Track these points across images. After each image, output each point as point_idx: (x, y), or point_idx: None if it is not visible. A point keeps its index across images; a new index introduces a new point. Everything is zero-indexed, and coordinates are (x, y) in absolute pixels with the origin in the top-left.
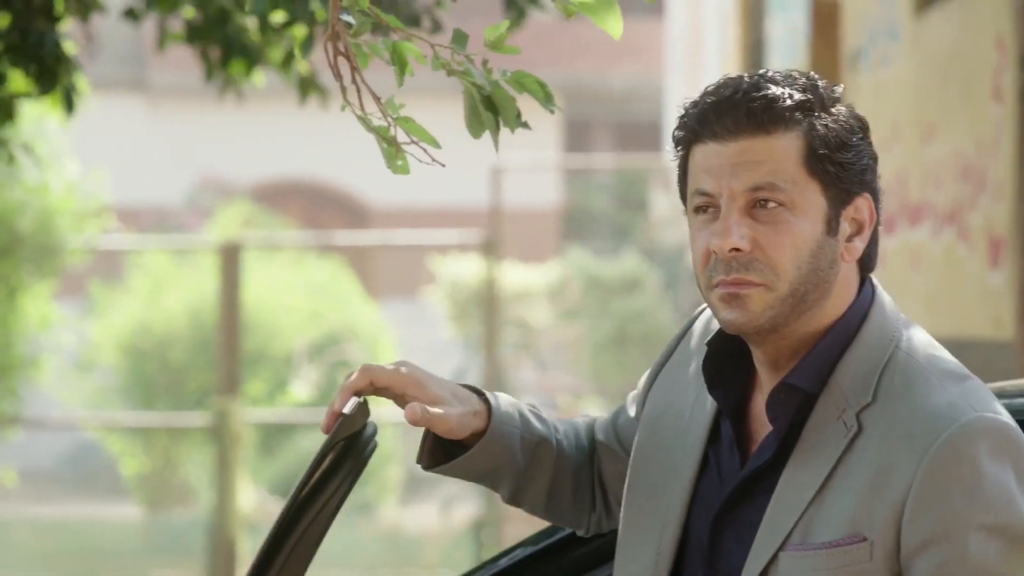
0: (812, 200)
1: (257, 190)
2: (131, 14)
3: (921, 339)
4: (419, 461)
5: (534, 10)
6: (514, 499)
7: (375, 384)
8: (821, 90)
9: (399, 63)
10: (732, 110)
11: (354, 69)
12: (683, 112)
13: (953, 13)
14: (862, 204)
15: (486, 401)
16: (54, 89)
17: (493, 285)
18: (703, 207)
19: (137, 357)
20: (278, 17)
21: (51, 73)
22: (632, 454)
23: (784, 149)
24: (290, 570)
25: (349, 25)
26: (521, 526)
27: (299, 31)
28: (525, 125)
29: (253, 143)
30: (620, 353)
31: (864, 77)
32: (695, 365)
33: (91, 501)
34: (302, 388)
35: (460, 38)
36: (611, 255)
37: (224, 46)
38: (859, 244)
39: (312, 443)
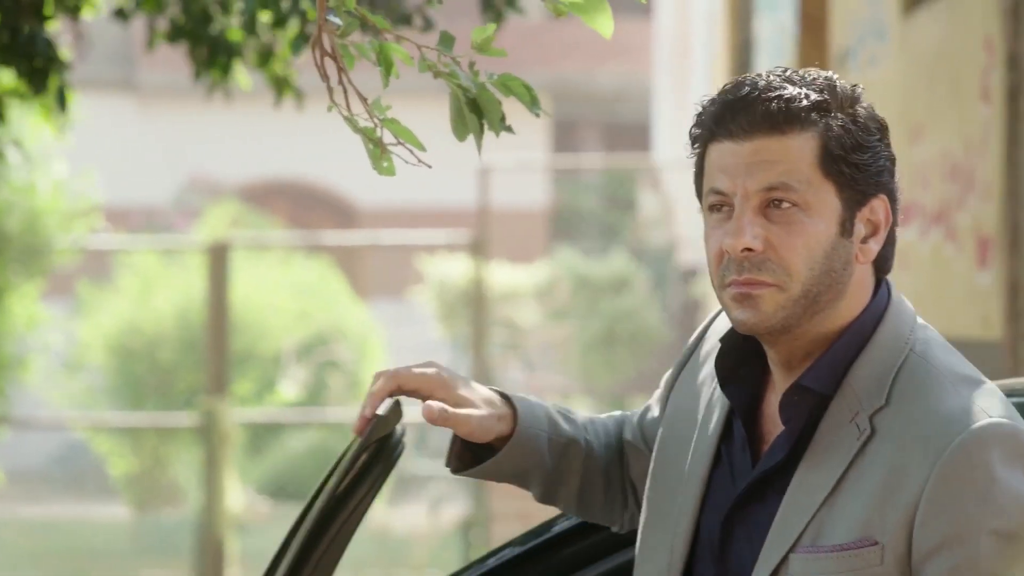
0: (826, 201)
1: (245, 190)
2: (121, 14)
3: (937, 343)
4: (448, 464)
5: (513, 14)
6: (546, 499)
7: (403, 388)
8: (839, 90)
9: (385, 64)
10: (748, 109)
11: (341, 70)
12: (700, 110)
13: (941, 13)
14: (878, 206)
15: (513, 406)
16: (45, 89)
17: (481, 285)
18: (717, 206)
19: (125, 357)
20: (265, 17)
21: (42, 73)
22: (653, 453)
23: (799, 149)
24: (322, 572)
25: (336, 26)
26: (509, 526)
27: (291, 29)
28: (509, 129)
29: (241, 143)
30: (609, 353)
31: (852, 77)
32: (712, 364)
33: (79, 501)
34: (290, 388)
35: (447, 40)
36: (599, 255)
37: (208, 47)
38: (874, 246)
39: (300, 443)
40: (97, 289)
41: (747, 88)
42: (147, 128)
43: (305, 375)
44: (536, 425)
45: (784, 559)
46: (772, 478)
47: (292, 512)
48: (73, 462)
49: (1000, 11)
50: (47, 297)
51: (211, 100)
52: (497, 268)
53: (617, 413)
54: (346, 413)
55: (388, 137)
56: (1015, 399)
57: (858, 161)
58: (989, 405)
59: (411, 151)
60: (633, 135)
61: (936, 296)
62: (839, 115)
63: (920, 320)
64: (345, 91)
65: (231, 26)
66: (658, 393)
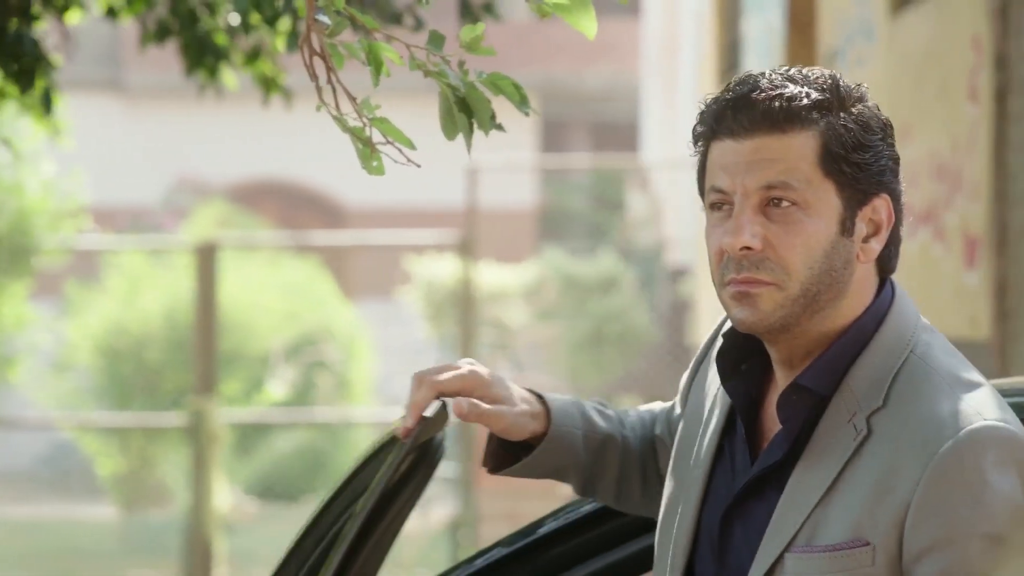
0: (826, 200)
1: (233, 190)
2: (112, 12)
3: (939, 345)
4: (484, 463)
5: (490, 19)
6: (584, 493)
7: (444, 393)
8: (842, 89)
9: (374, 64)
10: (749, 108)
11: (330, 69)
12: (703, 108)
13: (929, 13)
14: (880, 205)
15: (546, 404)
16: (31, 89)
17: (469, 285)
18: (718, 204)
19: (113, 357)
20: (255, 19)
21: (28, 74)
22: (672, 450)
23: (799, 148)
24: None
25: (325, 25)
26: (497, 527)
27: (284, 26)
28: (499, 127)
29: (229, 143)
30: (596, 353)
31: None
32: None
33: (67, 501)
34: (278, 388)
35: (436, 39)
36: (587, 255)
37: (195, 47)
38: (876, 245)
39: (288, 443)
40: (85, 289)
41: (748, 86)
42: (135, 128)
43: (293, 375)
44: (570, 423)
45: (779, 558)
46: (771, 476)
47: (280, 512)
48: (61, 462)
49: (988, 11)
50: (35, 297)
51: (199, 100)
52: (485, 268)
53: (655, 406)
54: (334, 413)
55: (377, 136)
56: (1006, 400)
57: (859, 160)
58: (985, 408)
59: (400, 150)
60: (621, 135)
61: (924, 296)
62: (841, 114)
63: (924, 321)
64: (334, 90)
65: (217, 27)
66: (681, 390)
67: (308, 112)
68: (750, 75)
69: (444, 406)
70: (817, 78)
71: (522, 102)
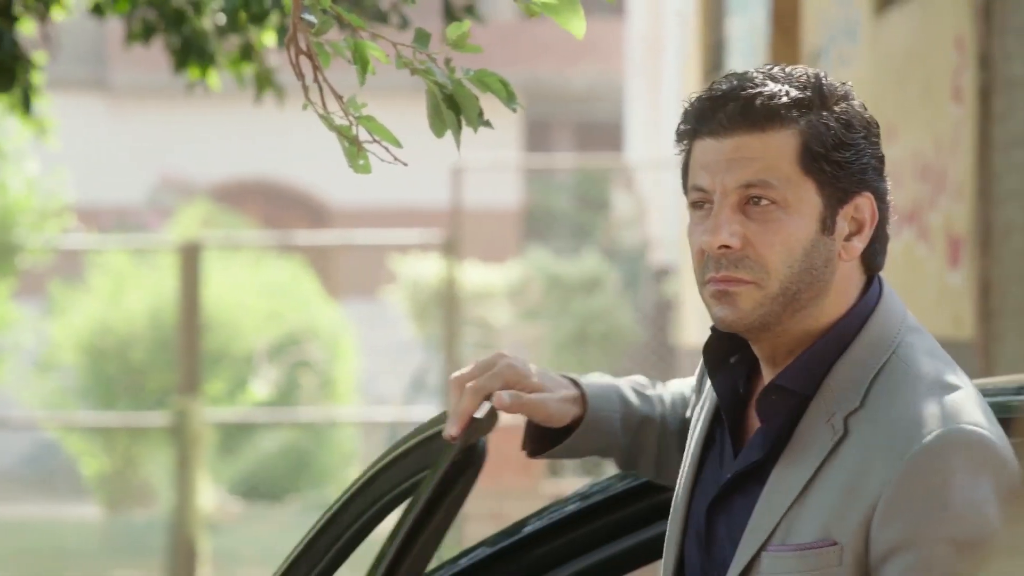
0: (806, 199)
1: (217, 190)
2: (97, 9)
3: (923, 346)
4: (524, 447)
5: (473, 21)
6: (626, 470)
7: (487, 395)
8: (824, 87)
9: (360, 62)
10: (728, 107)
11: (316, 68)
12: (686, 107)
13: (912, 13)
14: (863, 203)
15: (582, 388)
16: (11, 88)
17: (453, 285)
18: (699, 203)
19: (97, 357)
20: (244, 20)
21: (9, 73)
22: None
23: (778, 147)
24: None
25: (311, 24)
26: (481, 526)
27: (272, 20)
28: (487, 124)
29: (214, 143)
30: (581, 353)
31: None
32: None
33: (51, 501)
34: (262, 388)
35: (422, 37)
36: (572, 255)
37: (181, 47)
38: (858, 244)
39: (272, 443)
40: (69, 289)
41: (729, 85)
42: (119, 127)
43: (277, 375)
44: (607, 407)
45: (756, 556)
46: (753, 471)
47: (264, 512)
48: (45, 462)
49: (971, 11)
50: (19, 297)
51: (183, 100)
52: (469, 268)
53: (690, 383)
54: (318, 413)
55: (364, 135)
56: (986, 399)
57: (840, 159)
58: (960, 412)
59: (387, 148)
60: (606, 135)
61: (908, 296)
62: (823, 112)
63: (912, 321)
64: (320, 89)
65: (203, 28)
66: (696, 374)
67: (293, 112)
68: (733, 74)
69: (492, 408)
70: (800, 76)
71: (509, 98)
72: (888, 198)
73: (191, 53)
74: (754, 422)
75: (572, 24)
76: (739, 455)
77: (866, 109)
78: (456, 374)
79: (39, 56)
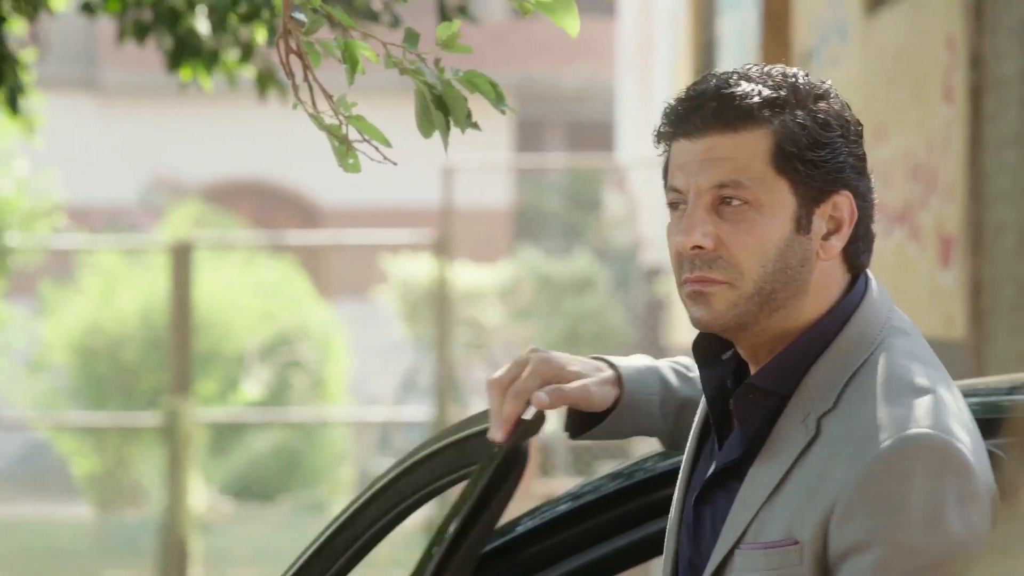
0: (780, 198)
1: (209, 190)
2: (87, 8)
3: (902, 347)
4: (566, 429)
5: (466, 21)
6: (671, 450)
7: (527, 395)
8: (801, 86)
9: (350, 61)
10: (701, 107)
11: (306, 67)
12: (665, 109)
13: (903, 13)
14: (841, 202)
15: (618, 371)
16: None
17: (445, 285)
18: (675, 203)
19: (88, 357)
20: (234, 20)
21: None
22: None
23: (750, 147)
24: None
25: (301, 23)
26: None
27: (264, 16)
28: (475, 126)
29: (205, 143)
30: (572, 352)
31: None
32: None
33: (42, 501)
34: (254, 388)
35: (412, 37)
36: (563, 255)
37: (175, 46)
38: (836, 242)
39: (264, 443)
40: (60, 289)
41: (704, 86)
42: (110, 127)
43: (269, 375)
44: (645, 390)
45: (730, 554)
46: (734, 468)
47: (255, 512)
48: (36, 462)
49: (962, 10)
50: (9, 297)
51: (175, 99)
52: (461, 268)
53: None
54: (309, 413)
55: (353, 134)
56: (977, 399)
57: (814, 158)
58: (925, 415)
59: (376, 148)
60: (597, 135)
61: (899, 296)
62: (798, 112)
63: (900, 321)
64: (311, 88)
65: (197, 26)
66: None
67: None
68: (710, 74)
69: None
70: (776, 76)
71: (498, 100)
72: (872, 196)
73: (186, 53)
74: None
75: (566, 22)
76: (720, 451)
77: (848, 108)
78: (492, 377)
79: (27, 54)
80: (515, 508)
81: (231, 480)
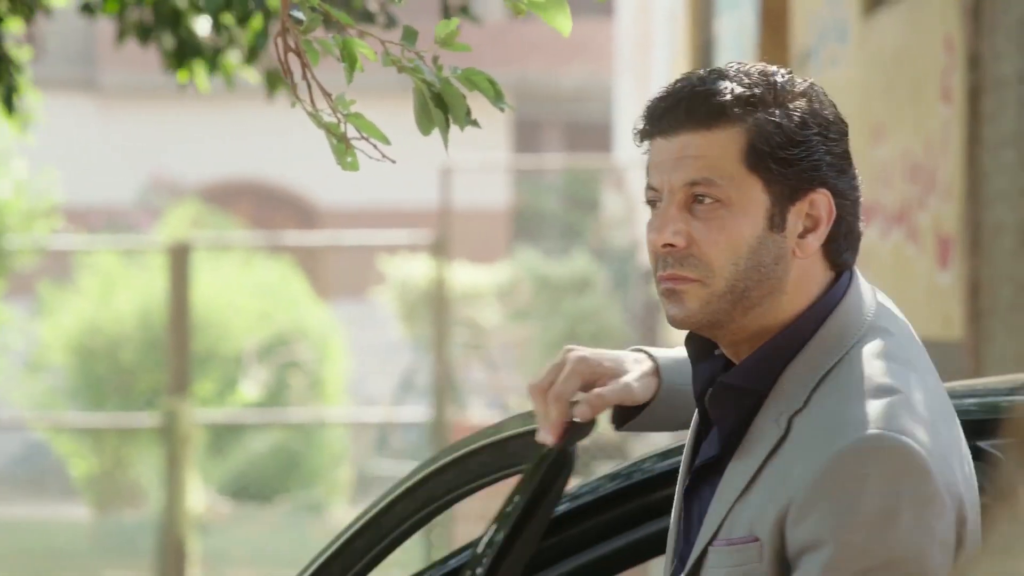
0: (752, 196)
1: (207, 190)
2: (87, 8)
3: (880, 348)
4: (612, 420)
5: (468, 21)
6: None
7: (569, 397)
8: (779, 84)
9: (348, 60)
10: (676, 106)
11: (304, 66)
12: (645, 108)
13: (901, 13)
14: (818, 200)
15: (655, 360)
16: None
17: (443, 285)
18: (652, 202)
19: (86, 357)
20: (228, 20)
21: None
22: None
23: (722, 145)
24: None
25: (299, 21)
26: (471, 527)
27: (256, 23)
28: (475, 123)
29: (203, 143)
30: None
31: (813, 78)
32: None
33: (40, 502)
34: (251, 388)
35: (410, 35)
36: (561, 255)
37: (177, 47)
38: (813, 241)
39: (262, 443)
40: (58, 289)
41: (680, 84)
42: (108, 128)
43: (266, 375)
44: (682, 380)
45: (705, 550)
46: (715, 464)
47: (254, 512)
48: (34, 463)
49: (961, 11)
50: (8, 297)
51: (173, 100)
52: (459, 268)
53: None
54: (307, 413)
55: (352, 132)
56: (976, 399)
57: (787, 156)
58: (886, 417)
59: (375, 146)
60: (595, 135)
61: (897, 296)
62: (774, 110)
63: (883, 322)
64: (309, 87)
65: (200, 29)
66: None
67: (282, 113)
68: (689, 73)
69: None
70: (752, 74)
71: (497, 97)
72: (855, 194)
73: (187, 54)
74: None
75: (558, 21)
76: (701, 448)
77: (832, 107)
78: (533, 382)
79: (23, 53)
80: None
81: (229, 480)
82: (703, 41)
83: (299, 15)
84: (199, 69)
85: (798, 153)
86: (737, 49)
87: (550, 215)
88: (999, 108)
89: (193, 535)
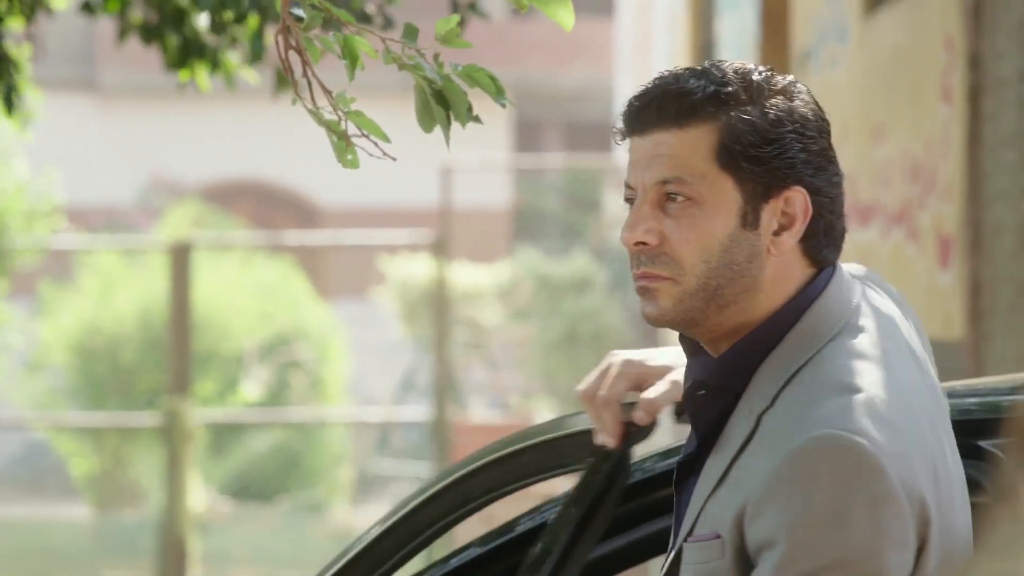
0: (724, 195)
1: (207, 190)
2: (87, 8)
3: (849, 346)
4: (675, 414)
5: (476, 17)
6: None
7: (618, 400)
8: (755, 82)
9: (350, 57)
10: (649, 105)
11: (305, 63)
12: (623, 107)
13: (902, 13)
14: (793, 197)
15: None
16: None
17: (443, 285)
18: (628, 200)
19: (87, 357)
20: (228, 17)
21: None
22: None
23: (693, 143)
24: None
25: (300, 19)
26: (472, 526)
27: (252, 22)
28: (476, 119)
29: (203, 143)
30: (570, 353)
31: (813, 77)
32: None
33: (41, 501)
34: (252, 388)
35: (411, 32)
36: (561, 255)
37: (180, 46)
38: (788, 238)
39: (263, 443)
40: (59, 289)
41: (654, 83)
42: (109, 128)
43: (267, 375)
44: None
45: (680, 547)
46: (695, 461)
47: (254, 512)
48: (34, 462)
49: (961, 11)
50: (9, 297)
51: (173, 100)
52: (459, 268)
53: None
54: (308, 413)
55: (352, 130)
56: (977, 399)
57: (760, 155)
58: (843, 416)
59: (376, 144)
60: (595, 135)
61: None
62: (748, 108)
63: (862, 320)
64: (310, 84)
65: (203, 28)
66: None
67: (282, 112)
68: (666, 72)
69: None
70: (728, 72)
71: (498, 94)
72: (836, 192)
73: (191, 53)
74: None
75: (560, 15)
76: (684, 445)
77: (813, 104)
78: (581, 388)
79: (23, 52)
80: (515, 508)
81: (230, 480)
82: (703, 41)
83: (300, 12)
84: (200, 68)
85: (771, 151)
86: (737, 49)
87: (550, 215)
88: (999, 108)
89: (194, 535)
